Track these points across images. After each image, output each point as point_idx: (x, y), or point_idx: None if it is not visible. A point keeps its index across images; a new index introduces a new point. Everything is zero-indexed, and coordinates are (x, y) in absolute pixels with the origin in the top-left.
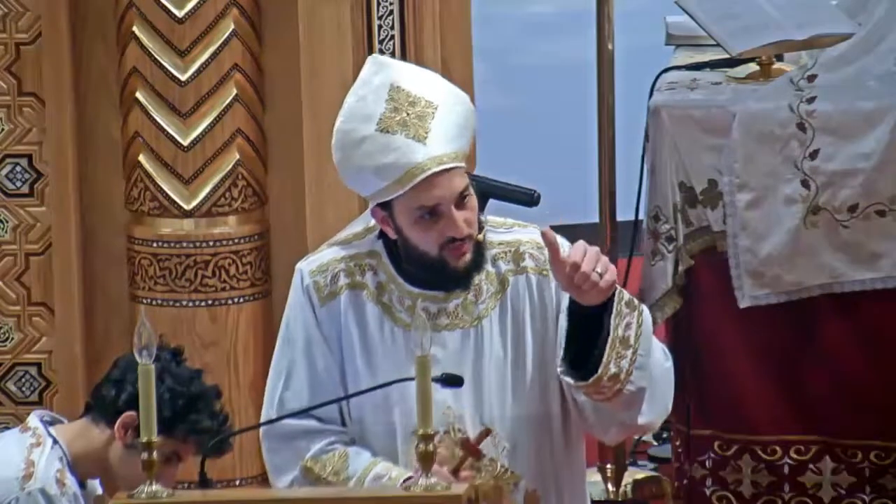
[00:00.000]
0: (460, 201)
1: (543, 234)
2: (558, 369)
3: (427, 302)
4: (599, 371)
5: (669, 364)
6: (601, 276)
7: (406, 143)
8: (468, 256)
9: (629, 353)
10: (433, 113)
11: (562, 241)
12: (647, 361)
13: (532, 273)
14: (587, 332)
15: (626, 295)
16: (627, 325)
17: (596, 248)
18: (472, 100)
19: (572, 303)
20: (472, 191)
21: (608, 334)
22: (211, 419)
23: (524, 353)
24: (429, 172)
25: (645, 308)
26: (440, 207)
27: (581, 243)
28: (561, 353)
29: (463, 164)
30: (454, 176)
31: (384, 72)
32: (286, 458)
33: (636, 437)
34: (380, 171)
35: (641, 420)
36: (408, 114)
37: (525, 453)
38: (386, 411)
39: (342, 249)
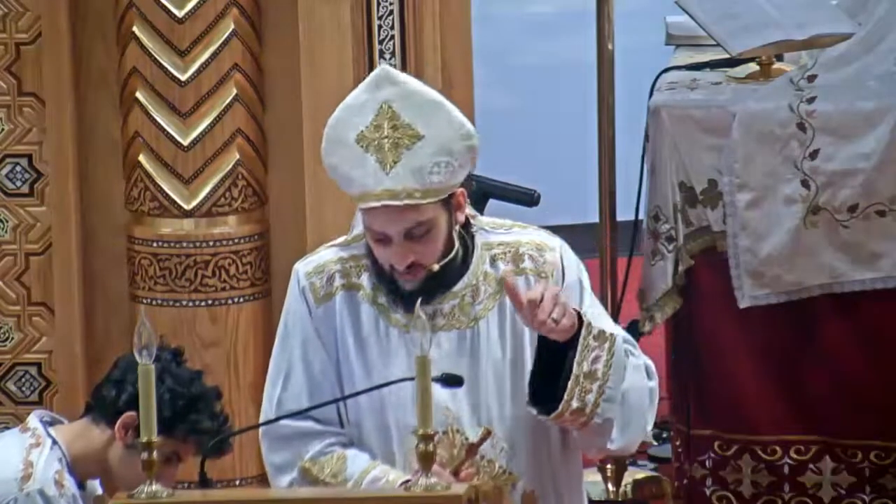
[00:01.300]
0: (413, 235)
1: (504, 282)
2: (525, 401)
3: (423, 303)
4: (560, 407)
5: (653, 384)
6: (556, 322)
7: (372, 166)
8: (414, 285)
9: (596, 386)
10: (411, 144)
11: (521, 284)
12: (615, 394)
13: (531, 275)
14: (554, 365)
15: (597, 329)
16: (595, 359)
17: (555, 290)
18: (472, 100)
19: (540, 337)
20: (437, 225)
21: (569, 370)
22: (211, 420)
23: (523, 354)
24: (377, 204)
25: (619, 338)
26: (388, 236)
27: (539, 287)
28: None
29: (428, 201)
30: (408, 211)
31: (386, 87)
32: (285, 459)
33: None
34: (345, 181)
35: (612, 446)
36: (386, 137)
37: (523, 454)
38: (381, 412)
39: (339, 251)
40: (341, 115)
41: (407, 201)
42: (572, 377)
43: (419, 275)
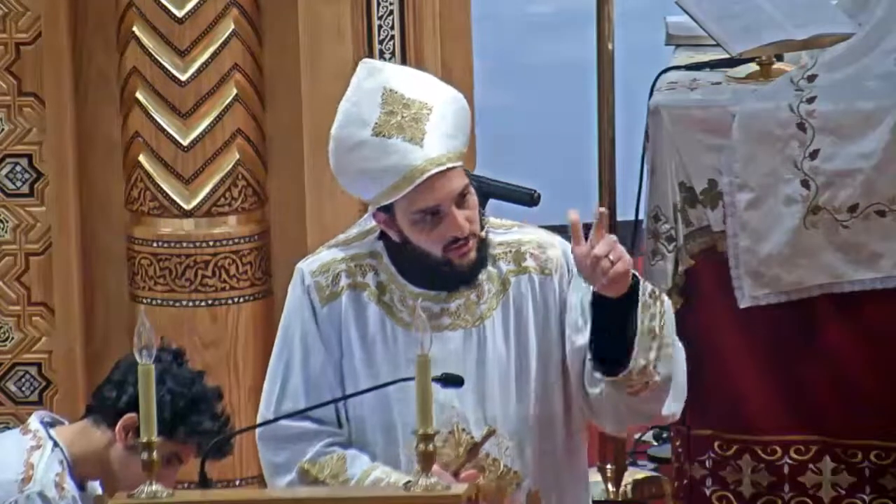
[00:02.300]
0: (461, 200)
1: (572, 222)
2: (588, 363)
3: (429, 302)
4: (630, 365)
5: (682, 348)
6: (612, 263)
7: (403, 146)
8: (472, 254)
9: (655, 343)
10: (428, 114)
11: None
12: (671, 351)
13: (534, 273)
14: (611, 326)
15: (649, 286)
16: (652, 316)
17: (613, 238)
18: (473, 99)
19: (595, 297)
20: (472, 189)
21: (636, 327)
22: (212, 421)
23: (527, 352)
24: (427, 175)
25: (666, 297)
26: (441, 208)
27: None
28: (587, 349)
29: (461, 163)
30: (453, 176)
31: (377, 76)
32: (283, 460)
33: (636, 437)
34: (378, 176)
35: (665, 411)
36: (403, 116)
37: (528, 453)
38: (387, 412)
39: (342, 250)
40: (344, 120)
41: (449, 164)
42: (638, 333)
43: (471, 246)
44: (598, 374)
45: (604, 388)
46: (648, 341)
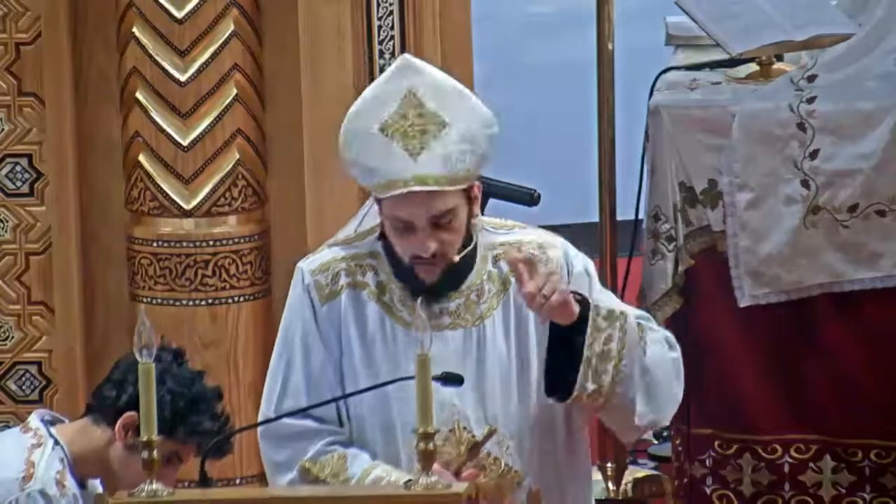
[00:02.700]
0: (438, 223)
1: (510, 263)
2: (533, 398)
3: (428, 301)
4: (575, 392)
5: (675, 354)
6: (546, 297)
7: (399, 152)
8: (436, 275)
9: (611, 366)
10: (438, 131)
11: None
12: (632, 371)
13: None
14: (563, 351)
15: (605, 309)
16: (608, 339)
17: (546, 271)
18: None
19: (551, 326)
20: (459, 214)
21: (581, 353)
22: (212, 421)
23: (528, 352)
24: (407, 189)
25: (631, 316)
26: (414, 224)
27: (539, 267)
28: (534, 382)
29: (452, 188)
30: (435, 198)
31: (410, 75)
32: (284, 458)
33: None
34: (368, 171)
35: (641, 422)
36: (412, 124)
37: (528, 452)
38: (386, 411)
39: (342, 250)
40: (362, 106)
41: (435, 187)
42: (583, 360)
43: (440, 266)
44: (550, 401)
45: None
46: (600, 365)
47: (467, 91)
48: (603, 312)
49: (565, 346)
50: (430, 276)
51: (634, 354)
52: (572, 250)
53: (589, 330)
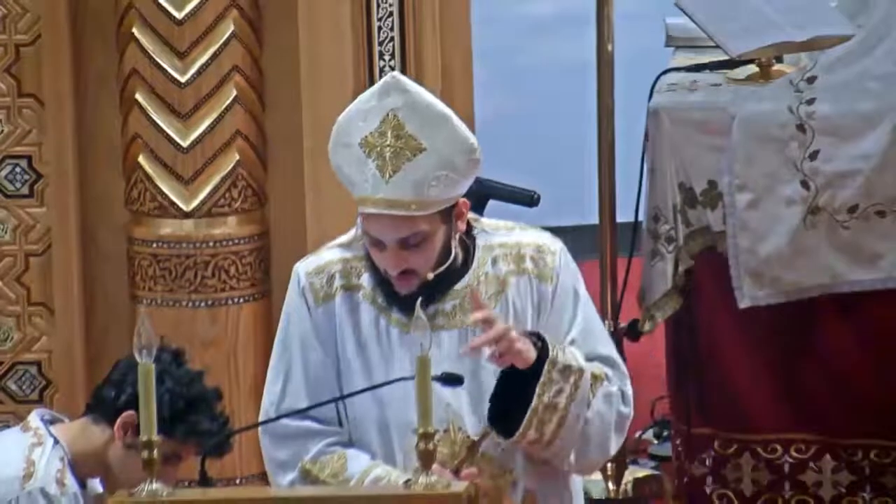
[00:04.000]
0: (407, 244)
1: (472, 292)
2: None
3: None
4: (516, 436)
5: (625, 410)
6: (500, 355)
7: (371, 172)
8: (409, 289)
9: (556, 417)
10: (414, 155)
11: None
12: (575, 425)
13: (532, 276)
14: (518, 390)
15: (563, 362)
16: (559, 392)
17: (501, 329)
18: (472, 101)
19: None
20: (432, 236)
21: (530, 402)
22: (211, 421)
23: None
24: (373, 210)
25: (587, 373)
26: (383, 243)
27: (496, 323)
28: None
29: (421, 213)
30: (402, 222)
31: (395, 95)
32: (286, 457)
33: (636, 435)
34: (347, 181)
35: (567, 469)
36: (389, 145)
37: (523, 452)
38: (382, 411)
39: (340, 252)
40: (349, 116)
41: (403, 212)
42: (531, 409)
43: (412, 282)
44: (490, 430)
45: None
46: (546, 415)
47: (454, 116)
48: (559, 366)
49: (517, 385)
50: (404, 289)
51: (581, 410)
52: (568, 261)
53: (542, 380)
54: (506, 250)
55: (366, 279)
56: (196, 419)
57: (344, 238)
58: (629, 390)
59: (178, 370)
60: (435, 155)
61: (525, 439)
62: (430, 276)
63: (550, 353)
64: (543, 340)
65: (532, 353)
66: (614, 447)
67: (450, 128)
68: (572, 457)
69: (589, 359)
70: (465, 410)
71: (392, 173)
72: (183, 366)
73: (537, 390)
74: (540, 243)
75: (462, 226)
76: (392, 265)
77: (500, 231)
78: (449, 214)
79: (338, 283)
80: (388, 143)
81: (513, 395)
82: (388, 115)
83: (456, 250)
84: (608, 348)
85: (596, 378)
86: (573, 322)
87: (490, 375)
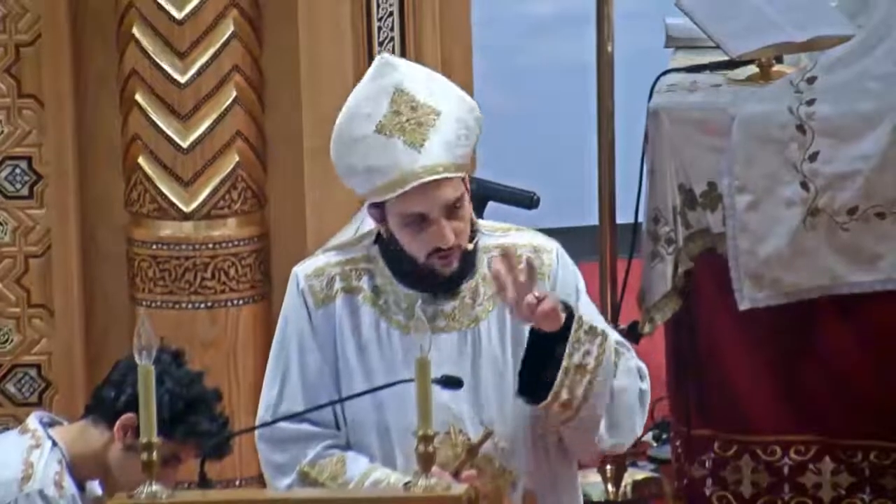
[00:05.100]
0: (452, 211)
1: (494, 272)
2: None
3: (424, 304)
4: (549, 397)
5: (645, 386)
6: (538, 299)
7: (402, 148)
8: (454, 265)
9: (585, 380)
10: (434, 120)
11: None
12: (604, 390)
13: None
14: (545, 358)
15: (588, 324)
16: (586, 353)
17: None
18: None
19: (532, 331)
20: (466, 201)
21: (560, 362)
22: (210, 422)
23: (522, 353)
24: (420, 181)
25: (612, 336)
26: (429, 216)
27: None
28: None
29: (459, 175)
30: (446, 186)
31: (391, 73)
32: (284, 461)
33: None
34: (372, 173)
35: (602, 445)
36: (408, 119)
37: (522, 453)
38: (381, 413)
39: (338, 255)
40: (350, 113)
41: (446, 174)
42: (562, 368)
43: (455, 256)
44: (520, 400)
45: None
46: (576, 377)
47: (446, 79)
48: (585, 327)
49: (543, 352)
50: (449, 267)
51: (608, 374)
52: (565, 259)
53: (570, 340)
54: (502, 252)
55: (365, 281)
56: (196, 420)
57: (340, 241)
58: (644, 367)
59: (178, 371)
60: (451, 116)
61: (557, 401)
62: (470, 245)
63: (576, 312)
64: (566, 304)
65: (562, 315)
66: (640, 425)
67: (451, 88)
68: (603, 427)
69: None
70: (465, 413)
71: (422, 141)
72: (182, 367)
73: (567, 350)
74: (536, 244)
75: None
76: (443, 238)
77: (496, 233)
78: (464, 181)
79: (338, 285)
80: (406, 117)
81: (539, 364)
82: (394, 92)
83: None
84: (612, 332)
85: (617, 349)
86: (576, 311)
87: (490, 377)
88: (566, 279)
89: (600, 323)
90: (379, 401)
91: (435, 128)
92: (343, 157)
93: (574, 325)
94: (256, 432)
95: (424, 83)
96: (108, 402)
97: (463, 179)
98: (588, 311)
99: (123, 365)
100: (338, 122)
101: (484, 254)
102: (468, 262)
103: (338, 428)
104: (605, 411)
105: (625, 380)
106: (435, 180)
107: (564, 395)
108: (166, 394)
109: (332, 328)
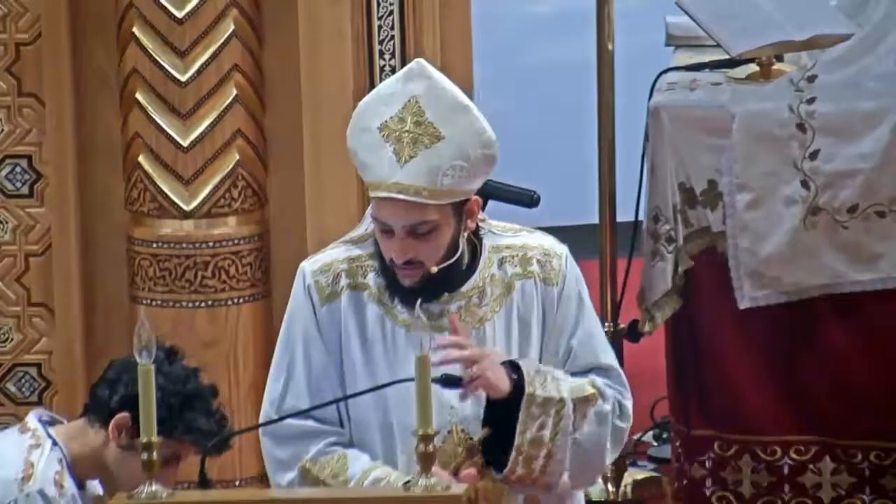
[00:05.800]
0: (416, 232)
1: (450, 317)
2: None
3: (429, 303)
4: (504, 474)
5: (622, 424)
6: (472, 379)
7: (388, 156)
8: (412, 282)
9: (542, 452)
10: (432, 143)
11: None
12: (563, 457)
13: (538, 279)
14: (499, 425)
15: (542, 396)
16: (541, 426)
17: (476, 352)
18: (472, 100)
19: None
20: (440, 229)
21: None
22: (207, 418)
23: (528, 355)
24: (385, 194)
25: (569, 403)
26: (392, 228)
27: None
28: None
29: (433, 202)
30: (414, 208)
31: (417, 81)
32: (286, 456)
33: (636, 437)
34: (361, 166)
35: (561, 490)
36: (408, 130)
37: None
38: (384, 412)
39: (346, 250)
40: (370, 101)
41: (415, 198)
42: (514, 448)
43: (417, 273)
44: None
45: None
46: (532, 451)
47: (474, 108)
48: (538, 400)
49: (502, 417)
50: (407, 280)
51: (567, 437)
52: (572, 266)
53: (521, 418)
54: (512, 252)
55: (372, 279)
56: (192, 416)
57: (353, 234)
58: (628, 402)
59: (171, 367)
60: (452, 144)
61: (515, 475)
62: (435, 269)
63: (527, 388)
64: (520, 372)
65: (505, 386)
66: (609, 460)
67: (469, 118)
68: (566, 477)
69: (588, 369)
70: (468, 412)
71: (408, 158)
72: (176, 363)
73: (518, 428)
74: (546, 247)
75: (472, 224)
76: (396, 253)
77: (506, 233)
78: (460, 209)
79: (344, 282)
80: (406, 128)
81: (499, 428)
82: (409, 100)
83: (463, 248)
84: (609, 357)
85: (586, 400)
86: (576, 328)
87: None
88: (571, 286)
89: (595, 348)
90: (381, 398)
91: (429, 150)
92: (350, 137)
93: (524, 404)
94: (261, 428)
95: (442, 103)
96: (103, 401)
97: (458, 206)
98: (585, 331)
99: (118, 364)
100: (360, 103)
101: (494, 254)
102: (457, 274)
103: (341, 425)
104: (567, 469)
105: (593, 428)
106: (403, 199)
107: (521, 471)
108: (159, 390)
109: (337, 325)
